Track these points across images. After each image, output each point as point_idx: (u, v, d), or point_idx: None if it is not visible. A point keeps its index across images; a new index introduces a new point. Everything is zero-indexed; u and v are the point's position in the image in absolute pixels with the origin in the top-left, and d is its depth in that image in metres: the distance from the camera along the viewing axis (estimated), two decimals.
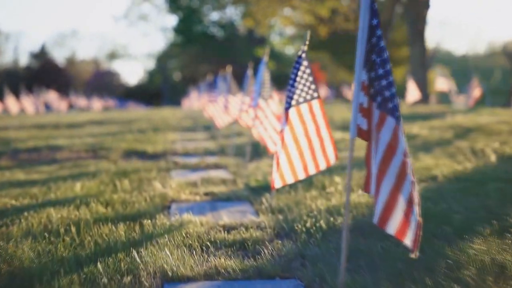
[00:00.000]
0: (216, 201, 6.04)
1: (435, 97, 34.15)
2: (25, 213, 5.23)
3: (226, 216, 5.23)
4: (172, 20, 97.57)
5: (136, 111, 36.66)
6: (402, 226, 2.95)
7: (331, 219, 4.87)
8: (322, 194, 6.02)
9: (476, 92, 23.61)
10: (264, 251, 4.09)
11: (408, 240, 2.93)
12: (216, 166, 8.68)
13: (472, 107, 22.92)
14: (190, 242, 4.32)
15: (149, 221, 4.92)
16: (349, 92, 41.80)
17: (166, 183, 6.97)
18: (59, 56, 77.90)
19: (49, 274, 3.58)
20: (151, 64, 77.55)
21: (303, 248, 4.14)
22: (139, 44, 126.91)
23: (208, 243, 4.31)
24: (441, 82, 29.21)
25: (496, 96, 33.20)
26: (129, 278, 3.55)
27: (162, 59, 70.70)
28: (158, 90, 69.00)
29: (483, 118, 14.40)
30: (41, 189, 6.50)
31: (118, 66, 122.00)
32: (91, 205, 5.56)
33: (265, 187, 6.51)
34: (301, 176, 4.80)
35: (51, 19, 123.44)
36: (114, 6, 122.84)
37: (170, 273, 3.63)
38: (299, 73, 4.62)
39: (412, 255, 2.90)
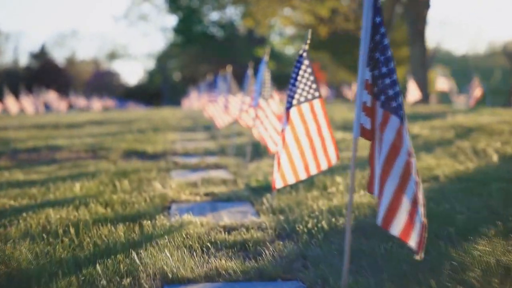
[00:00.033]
0: (217, 201, 5.99)
1: (436, 97, 34.13)
2: (24, 214, 5.17)
3: (227, 217, 5.18)
4: (172, 20, 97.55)
5: (136, 111, 36.60)
6: (407, 227, 2.90)
7: (333, 219, 4.82)
8: (324, 195, 5.97)
9: (477, 92, 23.55)
10: (265, 252, 4.04)
11: (412, 242, 2.88)
12: (216, 166, 8.63)
13: (473, 107, 22.86)
14: (191, 243, 4.27)
15: (149, 222, 4.87)
16: (349, 92, 41.78)
17: (166, 183, 6.92)
18: (59, 56, 77.96)
19: (47, 276, 3.52)
20: (151, 64, 77.54)
21: (305, 249, 4.09)
22: (139, 44, 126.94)
23: (209, 244, 4.25)
24: (442, 82, 29.16)
25: (496, 96, 33.15)
26: (128, 280, 3.49)
27: (162, 59, 70.62)
28: (158, 90, 68.94)
29: (484, 118, 14.34)
30: (40, 190, 6.45)
31: (118, 66, 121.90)
32: (90, 206, 5.51)
33: (265, 187, 6.46)
34: (303, 176, 4.75)
35: (51, 19, 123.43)
36: (114, 6, 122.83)
37: (170, 275, 3.57)
38: (300, 73, 4.58)
39: (417, 257, 2.85)
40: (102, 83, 68.38)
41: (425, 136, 11.05)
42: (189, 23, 62.85)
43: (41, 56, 67.72)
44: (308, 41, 4.66)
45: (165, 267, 3.67)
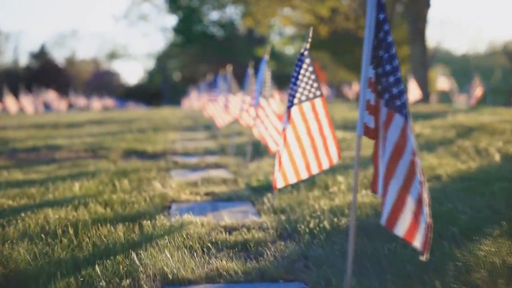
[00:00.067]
0: (217, 201, 5.94)
1: (436, 96, 34.09)
2: (22, 214, 5.12)
3: (228, 217, 5.13)
4: (172, 20, 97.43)
5: (136, 111, 36.55)
6: (411, 227, 2.84)
7: (335, 219, 4.77)
8: (325, 194, 5.91)
9: (478, 91, 23.50)
10: (266, 253, 3.99)
11: (417, 242, 2.82)
12: (217, 166, 8.58)
13: (473, 106, 22.81)
14: (191, 243, 4.22)
15: (149, 222, 4.82)
16: (350, 92, 41.73)
17: (166, 183, 6.87)
18: (59, 56, 77.83)
19: (46, 277, 3.47)
20: (151, 64, 77.43)
21: (307, 250, 4.03)
22: (139, 44, 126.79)
23: (209, 245, 4.20)
24: (442, 82, 29.11)
25: (497, 95, 33.12)
26: (128, 281, 3.44)
27: (162, 59, 70.57)
28: (158, 90, 68.88)
29: (485, 117, 14.28)
30: (39, 189, 6.40)
31: (118, 66, 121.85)
32: (89, 206, 5.46)
33: (266, 187, 6.41)
34: (304, 175, 4.70)
35: (51, 19, 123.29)
36: (114, 6, 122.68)
37: (170, 276, 3.52)
38: (302, 71, 4.53)
39: (422, 258, 2.79)
40: (102, 83, 68.32)
41: (427, 136, 11.00)
42: (189, 23, 62.79)
43: (41, 56, 67.68)
44: (310, 40, 4.61)
45: (165, 268, 3.61)
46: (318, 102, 4.60)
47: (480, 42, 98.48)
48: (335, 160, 4.75)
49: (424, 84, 24.09)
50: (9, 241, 4.23)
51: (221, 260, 3.83)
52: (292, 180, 4.70)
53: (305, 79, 4.56)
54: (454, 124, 12.74)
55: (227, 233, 4.53)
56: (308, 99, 4.56)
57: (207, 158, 9.35)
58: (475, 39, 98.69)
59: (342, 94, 46.05)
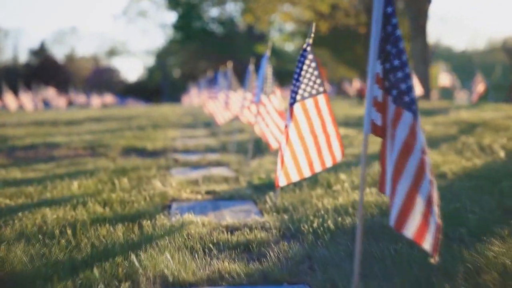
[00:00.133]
0: (218, 200, 5.83)
1: (437, 92, 33.97)
2: (19, 214, 5.01)
3: (229, 216, 5.02)
4: (171, 16, 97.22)
5: (136, 108, 36.44)
6: (421, 229, 2.73)
7: (339, 219, 4.66)
8: (328, 193, 5.80)
9: (480, 87, 23.38)
10: (269, 254, 3.88)
11: (427, 244, 2.71)
12: (218, 164, 8.47)
13: (475, 102, 22.70)
14: (192, 244, 4.11)
15: (149, 221, 4.71)
16: (350, 88, 41.60)
17: (166, 181, 6.76)
18: (58, 53, 77.73)
19: (42, 280, 3.36)
20: (150, 61, 77.32)
21: (311, 250, 3.93)
22: (138, 41, 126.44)
23: (211, 245, 4.09)
24: (444, 78, 28.98)
25: (497, 91, 33.01)
26: (127, 284, 3.33)
27: (162, 55, 70.40)
28: (158, 86, 68.77)
29: (487, 114, 14.18)
30: (37, 188, 6.29)
31: (117, 63, 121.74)
32: (88, 205, 5.35)
33: (268, 185, 6.31)
34: (307, 173, 4.60)
35: (50, 16, 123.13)
36: (113, 3, 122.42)
37: (170, 279, 3.41)
38: (304, 67, 4.43)
39: (432, 260, 2.68)
40: (102, 79, 68.21)
41: (429, 132, 10.88)
42: (189, 19, 62.60)
43: (41, 53, 67.56)
44: (312, 35, 4.50)
45: (165, 270, 3.50)
46: (321, 98, 4.49)
47: (480, 39, 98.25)
48: (339, 158, 4.65)
49: (425, 81, 23.96)
50: (5, 242, 4.11)
51: (223, 262, 3.72)
52: (295, 178, 4.60)
53: (308, 75, 4.46)
54: (457, 121, 12.64)
55: (229, 233, 4.42)
56: (311, 95, 4.46)
57: (208, 156, 9.24)
58: (474, 35, 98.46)
59: (343, 91, 45.93)
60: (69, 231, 4.36)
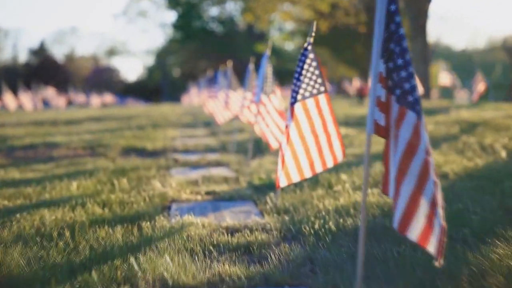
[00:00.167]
0: (219, 200, 5.77)
1: (437, 92, 33.90)
2: (18, 215, 4.95)
3: (229, 217, 4.96)
4: (171, 16, 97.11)
5: (136, 108, 36.38)
6: (425, 231, 2.68)
7: (341, 220, 4.60)
8: (329, 193, 5.74)
9: (481, 86, 23.33)
10: (270, 256, 3.82)
11: (432, 247, 2.65)
12: (218, 164, 8.41)
13: (476, 102, 22.65)
14: (192, 246, 4.05)
15: (148, 223, 4.65)
16: (350, 87, 41.54)
17: (166, 181, 6.70)
18: (58, 52, 77.65)
19: (40, 283, 3.30)
20: (150, 60, 77.30)
21: (312, 252, 3.87)
22: (138, 40, 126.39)
23: (211, 247, 4.04)
24: (444, 77, 28.92)
25: (497, 90, 32.96)
26: (126, 287, 3.27)
27: (162, 55, 70.33)
28: (158, 86, 68.71)
29: (488, 113, 14.13)
30: (36, 189, 6.23)
31: (117, 63, 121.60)
32: (87, 206, 5.29)
33: (269, 185, 6.25)
34: (308, 174, 4.56)
35: (50, 16, 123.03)
36: (113, 3, 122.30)
37: (170, 282, 3.35)
38: (305, 66, 4.38)
39: (436, 263, 2.62)
40: (101, 79, 68.17)
41: (430, 132, 10.83)
42: (189, 18, 62.54)
43: (40, 52, 67.50)
44: (313, 34, 4.45)
45: (165, 273, 3.44)
46: (322, 98, 4.45)
47: (480, 37, 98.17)
48: (340, 158, 4.60)
49: (425, 80, 23.91)
50: (2, 245, 4.05)
51: (223, 264, 3.66)
52: (296, 179, 4.55)
53: (309, 75, 4.41)
54: (458, 120, 12.58)
55: (229, 234, 4.36)
56: (312, 95, 4.42)
57: (207, 156, 9.19)
58: (474, 34, 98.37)
59: (343, 90, 45.88)
60: (67, 233, 4.31)
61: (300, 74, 4.40)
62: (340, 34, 39.20)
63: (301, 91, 4.39)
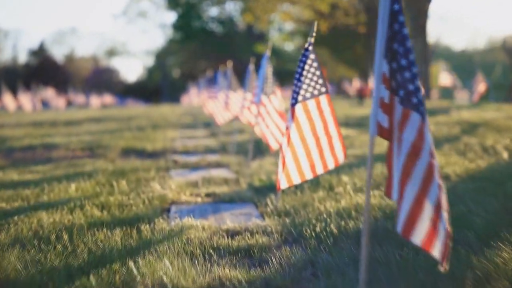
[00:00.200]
0: (218, 202, 5.71)
1: (437, 92, 33.87)
2: (15, 218, 4.89)
3: (230, 220, 4.90)
4: (171, 16, 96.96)
5: (135, 108, 36.32)
6: (430, 235, 2.62)
7: (342, 223, 4.54)
8: (330, 195, 5.69)
9: (481, 87, 23.29)
10: (271, 259, 3.76)
11: (436, 252, 2.60)
12: (218, 165, 8.35)
13: (476, 102, 22.60)
14: (192, 249, 3.99)
15: (147, 226, 4.59)
16: (350, 88, 41.50)
17: (165, 183, 6.65)
18: (58, 53, 77.60)
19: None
20: (150, 61, 77.27)
21: (314, 256, 3.81)
22: (138, 41, 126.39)
23: (211, 251, 3.98)
24: (445, 77, 28.88)
25: (497, 91, 32.93)
26: None
27: (161, 55, 70.30)
28: (157, 86, 68.67)
29: (489, 114, 14.08)
30: (34, 191, 6.17)
31: (117, 63, 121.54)
32: (85, 208, 5.23)
33: (269, 187, 6.20)
34: (309, 176, 4.51)
35: (50, 17, 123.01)
36: (113, 4, 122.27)
37: (170, 286, 3.29)
38: (306, 67, 4.34)
39: (441, 269, 2.57)
40: (101, 80, 68.13)
41: (431, 132, 10.77)
42: (188, 19, 62.47)
43: (40, 53, 67.46)
44: (314, 34, 4.40)
45: (164, 278, 3.38)
46: (323, 99, 4.40)
47: (479, 38, 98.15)
48: (341, 160, 4.56)
49: (426, 80, 23.86)
50: None
51: (224, 268, 3.60)
52: (297, 180, 4.51)
53: (310, 75, 4.37)
54: (459, 121, 12.53)
55: (230, 237, 4.30)
56: (313, 96, 4.37)
57: (207, 157, 9.13)
58: (474, 35, 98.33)
59: (342, 91, 45.83)
60: (65, 236, 4.25)
61: (301, 74, 4.35)
62: (339, 35, 39.16)
63: (302, 92, 4.35)
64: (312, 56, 4.37)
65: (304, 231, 4.36)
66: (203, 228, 4.54)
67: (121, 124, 17.22)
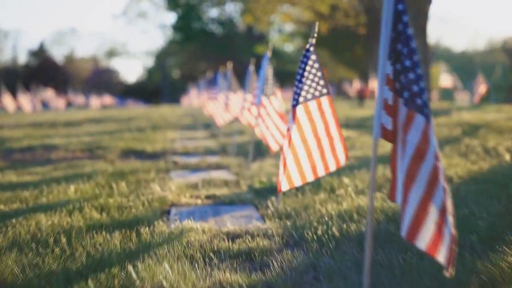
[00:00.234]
0: (219, 205, 5.66)
1: (437, 93, 33.81)
2: (13, 220, 4.83)
3: (230, 222, 4.85)
4: (171, 17, 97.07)
5: (135, 109, 36.26)
6: (435, 240, 2.57)
7: (344, 225, 4.49)
8: (332, 197, 5.63)
9: (482, 88, 23.25)
10: (272, 263, 3.70)
11: (441, 256, 2.54)
12: (218, 166, 8.30)
13: (477, 103, 22.56)
14: (192, 253, 3.94)
15: (147, 228, 4.53)
16: (350, 89, 41.46)
17: (165, 185, 6.59)
18: (57, 54, 77.51)
19: None
20: (150, 62, 77.20)
21: (316, 259, 3.75)
22: (138, 41, 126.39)
23: (212, 254, 3.92)
24: (445, 79, 28.83)
25: (498, 92, 32.90)
26: None
27: (161, 56, 70.23)
28: (157, 87, 68.62)
29: (490, 115, 14.04)
30: (33, 193, 6.11)
31: (117, 64, 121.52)
32: (84, 211, 5.18)
33: (270, 189, 6.15)
34: (310, 178, 4.46)
35: (50, 17, 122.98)
36: (113, 4, 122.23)
37: None
38: (307, 68, 4.29)
39: (447, 274, 2.51)
40: (101, 80, 68.06)
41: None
42: (188, 20, 62.41)
43: (40, 53, 67.38)
44: (315, 35, 4.36)
45: (164, 282, 3.32)
46: (325, 100, 4.35)
47: (480, 39, 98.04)
48: (342, 161, 4.51)
49: (426, 81, 23.84)
50: None
51: (224, 272, 3.54)
52: (298, 183, 4.45)
53: (311, 76, 4.32)
54: (460, 122, 12.49)
55: (230, 240, 4.25)
56: (314, 97, 4.32)
57: (207, 158, 9.08)
58: (474, 36, 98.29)
59: (343, 92, 45.78)
60: (63, 239, 4.19)
61: (302, 76, 4.30)
62: (339, 36, 39.11)
63: (303, 93, 4.30)
64: (313, 57, 4.32)
65: (306, 234, 4.31)
66: (203, 231, 4.49)
67: (121, 125, 17.16)
